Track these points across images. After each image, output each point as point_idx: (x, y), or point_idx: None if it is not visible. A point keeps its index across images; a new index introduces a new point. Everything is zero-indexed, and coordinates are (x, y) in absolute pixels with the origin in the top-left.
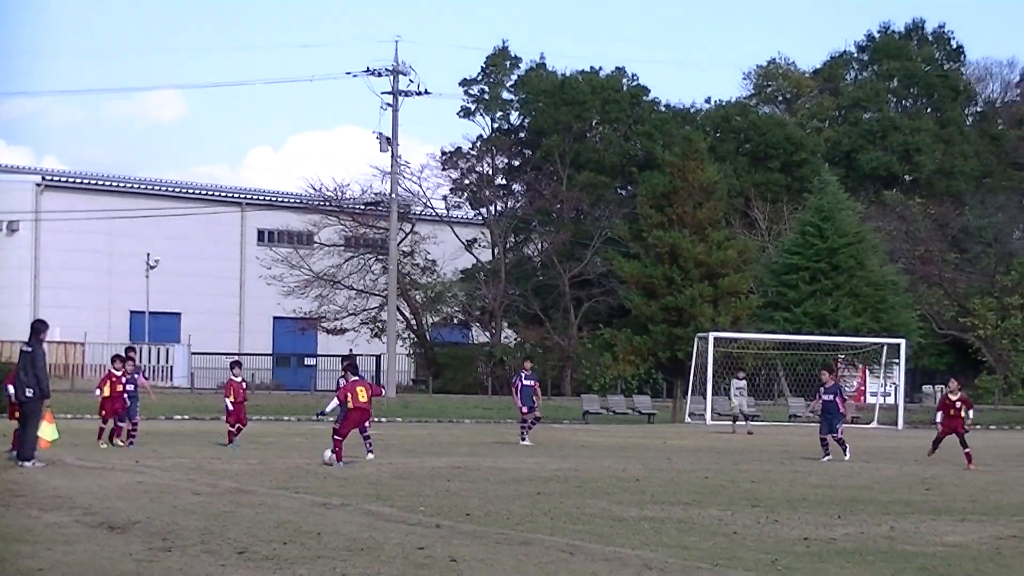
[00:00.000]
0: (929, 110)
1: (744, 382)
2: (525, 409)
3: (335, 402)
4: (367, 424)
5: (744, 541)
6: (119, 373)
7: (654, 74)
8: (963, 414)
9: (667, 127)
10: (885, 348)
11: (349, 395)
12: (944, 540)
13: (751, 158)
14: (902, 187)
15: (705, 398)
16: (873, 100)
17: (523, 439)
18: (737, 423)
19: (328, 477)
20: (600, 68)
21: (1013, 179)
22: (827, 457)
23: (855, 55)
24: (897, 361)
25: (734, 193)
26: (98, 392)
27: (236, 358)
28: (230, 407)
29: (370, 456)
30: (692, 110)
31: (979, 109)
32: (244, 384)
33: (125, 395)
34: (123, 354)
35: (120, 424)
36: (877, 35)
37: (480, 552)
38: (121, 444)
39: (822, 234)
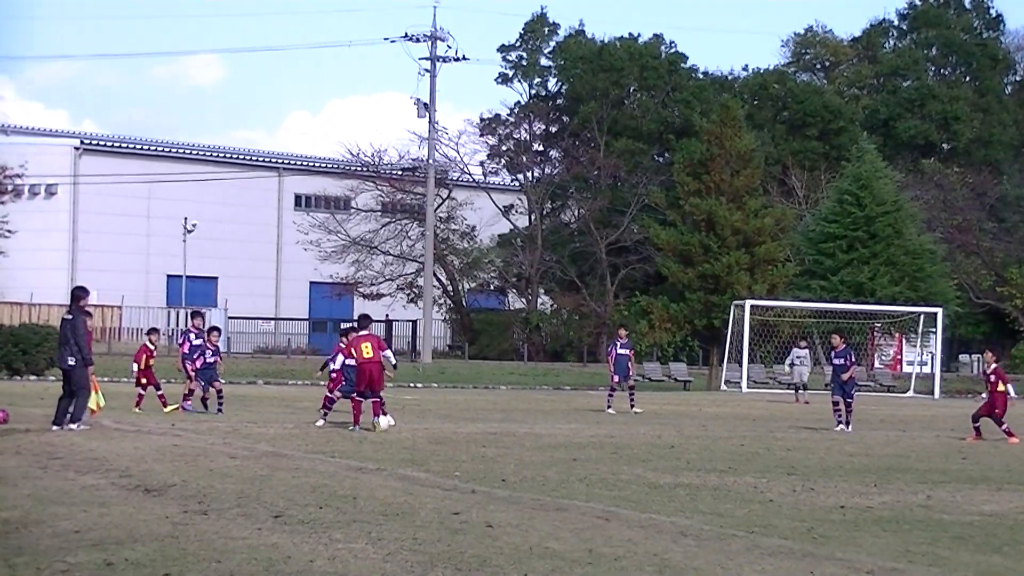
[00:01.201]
0: (968, 79)
1: (806, 351)
2: (617, 378)
3: (340, 358)
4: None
5: (780, 509)
6: (152, 347)
7: (692, 41)
8: (1000, 388)
9: (704, 94)
10: (922, 317)
11: (354, 351)
12: (981, 509)
13: (788, 126)
14: (940, 156)
15: (741, 366)
16: (911, 68)
17: (609, 407)
18: (799, 392)
19: (364, 441)
20: (638, 35)
21: None
22: (839, 427)
23: (894, 23)
24: (934, 330)
25: (771, 161)
26: (135, 366)
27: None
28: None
29: (381, 420)
30: (730, 77)
31: (1018, 78)
32: (153, 349)
33: (205, 360)
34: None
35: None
36: (917, 3)
37: (515, 518)
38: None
39: (859, 202)
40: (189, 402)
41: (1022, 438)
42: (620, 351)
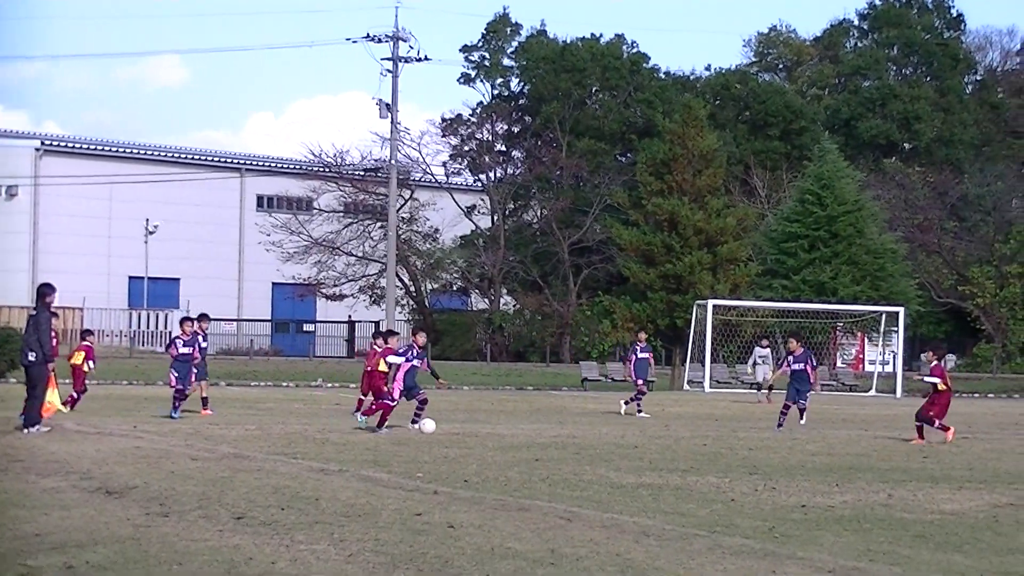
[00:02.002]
0: (929, 78)
1: (768, 350)
2: (640, 382)
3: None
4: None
5: (741, 508)
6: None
7: (654, 41)
8: (940, 387)
9: (667, 94)
10: (884, 316)
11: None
12: (941, 508)
13: (751, 126)
14: (901, 155)
15: (704, 365)
16: (873, 68)
17: (640, 411)
18: (762, 391)
19: (326, 443)
20: (600, 35)
21: (1012, 148)
22: (780, 428)
23: (855, 23)
24: (895, 329)
25: (733, 161)
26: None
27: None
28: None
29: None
30: (692, 77)
31: (979, 78)
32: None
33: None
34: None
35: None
36: (878, 3)
37: (477, 518)
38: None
39: (821, 202)
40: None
41: (979, 434)
42: (641, 355)
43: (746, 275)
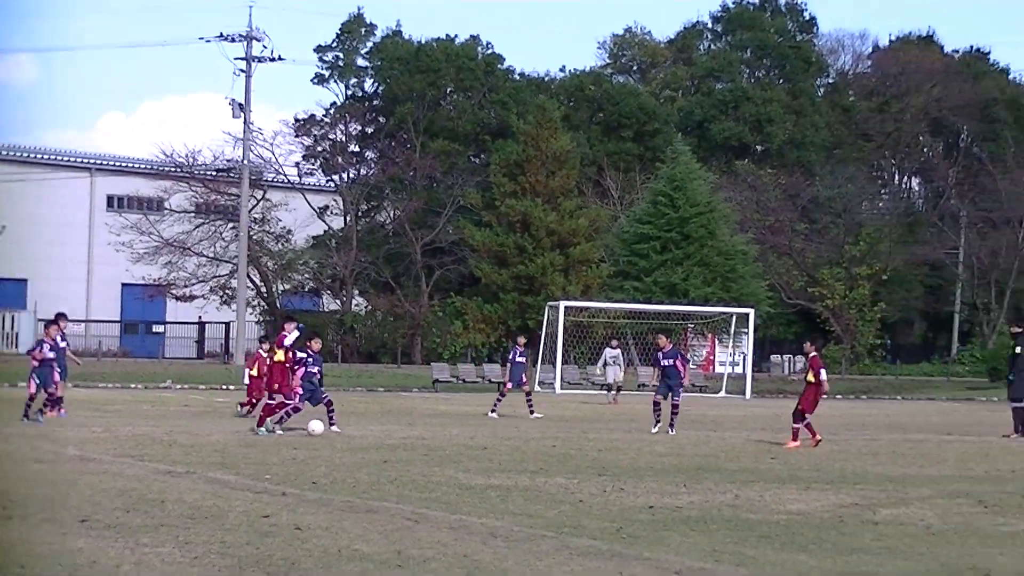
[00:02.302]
0: (781, 81)
1: (618, 351)
2: (510, 386)
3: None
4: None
5: (589, 509)
6: None
7: (509, 42)
8: (810, 378)
9: (521, 96)
10: (734, 318)
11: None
12: (787, 508)
13: (604, 127)
14: (753, 157)
15: (555, 367)
16: (726, 70)
17: (494, 411)
18: (611, 392)
19: (173, 445)
20: (455, 36)
21: (863, 150)
22: (657, 426)
23: (709, 25)
24: (746, 331)
25: (587, 162)
26: None
27: None
28: None
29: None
30: (546, 79)
31: (830, 80)
32: None
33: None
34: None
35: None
36: (731, 6)
37: (325, 520)
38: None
39: (673, 204)
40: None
41: (826, 435)
42: (519, 359)
43: (598, 276)
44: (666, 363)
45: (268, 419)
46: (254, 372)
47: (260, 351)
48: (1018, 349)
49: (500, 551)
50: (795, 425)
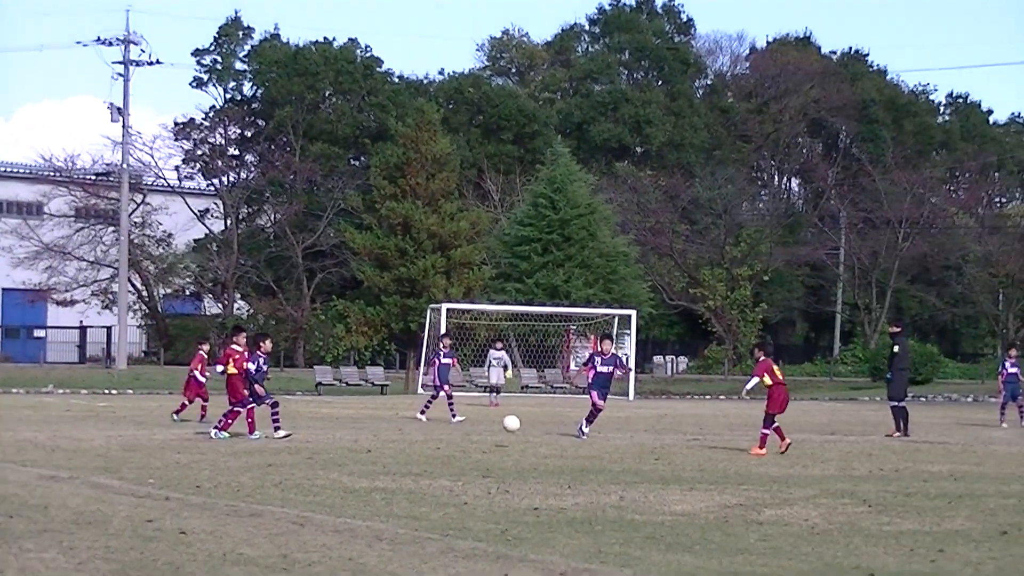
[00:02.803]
0: (660, 82)
1: (503, 353)
2: (447, 386)
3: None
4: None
5: (474, 511)
6: None
7: (388, 45)
8: (767, 381)
9: (400, 98)
10: (616, 319)
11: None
12: (672, 509)
13: (484, 130)
14: (633, 159)
15: None
16: (604, 72)
17: (423, 412)
18: (494, 394)
19: (56, 450)
20: (334, 39)
21: (742, 151)
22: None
23: (587, 28)
24: (628, 332)
25: (467, 165)
26: None
27: None
28: None
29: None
30: (425, 81)
31: (709, 82)
32: None
33: None
34: None
35: None
36: (608, 8)
37: (209, 524)
38: None
39: (554, 205)
40: None
41: (711, 436)
42: (444, 360)
43: (480, 278)
44: (604, 369)
45: (245, 425)
46: (196, 374)
47: (201, 352)
48: (896, 348)
49: (385, 554)
50: (764, 431)
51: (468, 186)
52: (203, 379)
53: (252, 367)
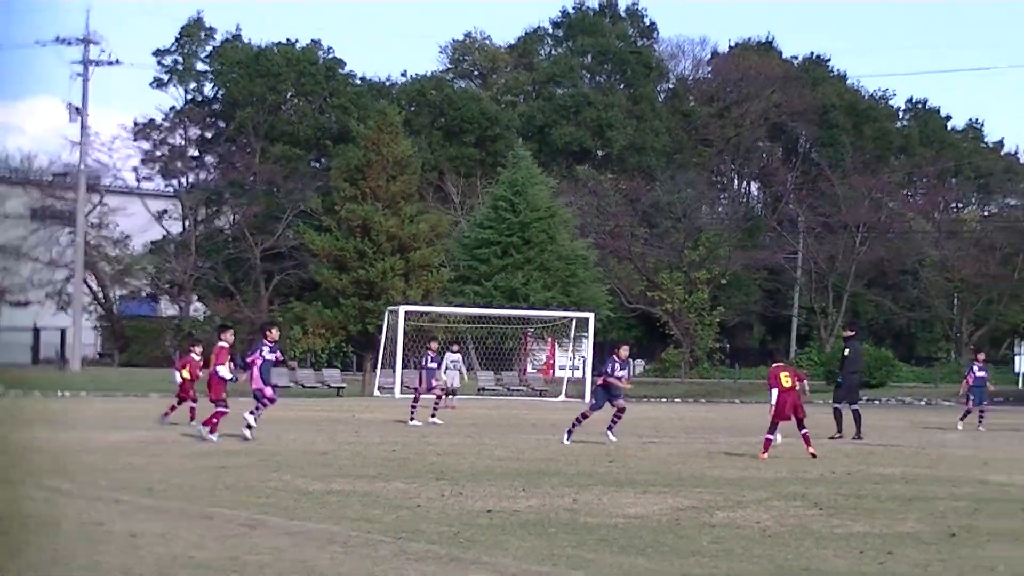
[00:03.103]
0: (622, 86)
1: (459, 355)
2: (439, 390)
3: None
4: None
5: (427, 514)
6: None
7: (350, 47)
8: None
9: (362, 100)
10: (574, 322)
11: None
12: (625, 512)
13: (446, 132)
14: (594, 162)
15: (395, 371)
16: (567, 76)
17: (433, 416)
18: (452, 397)
19: (4, 453)
20: (296, 40)
21: (702, 155)
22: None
23: (550, 31)
24: (586, 335)
25: (428, 167)
26: None
27: None
28: None
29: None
30: (388, 83)
31: (671, 86)
32: None
33: None
34: None
35: None
36: (571, 11)
37: (160, 527)
38: None
39: (514, 208)
40: None
41: (665, 438)
42: (430, 364)
43: (438, 281)
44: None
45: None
46: (185, 375)
47: (192, 355)
48: (847, 352)
49: (337, 556)
50: (767, 436)
51: (429, 189)
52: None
53: (271, 356)
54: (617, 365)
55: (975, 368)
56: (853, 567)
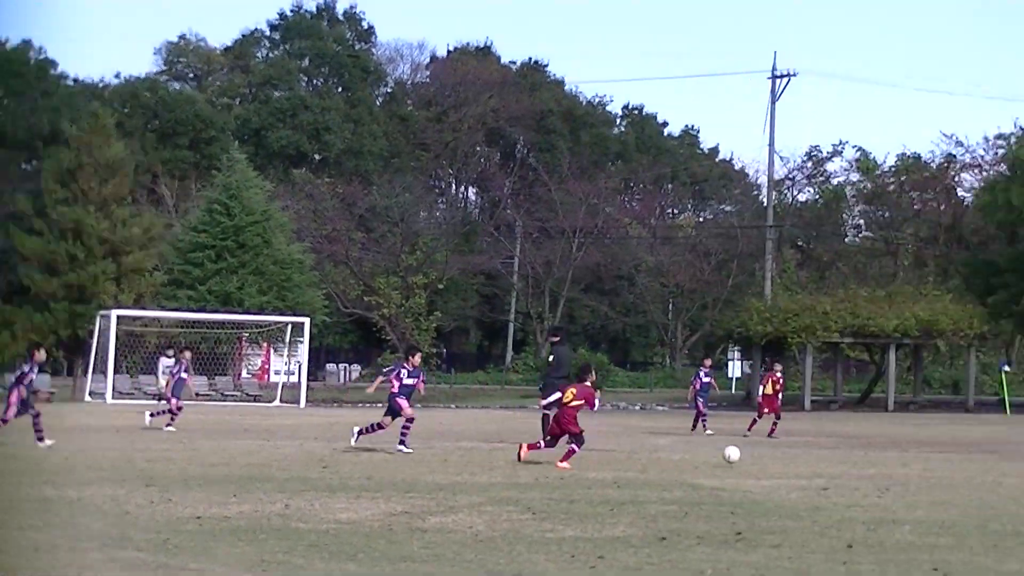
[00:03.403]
0: (340, 89)
1: (173, 360)
2: (175, 401)
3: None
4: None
5: (136, 521)
6: None
7: (63, 47)
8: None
9: (75, 101)
10: (290, 327)
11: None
12: (337, 517)
13: (160, 134)
14: (311, 166)
15: (106, 376)
16: (284, 78)
17: (170, 425)
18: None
19: None
20: (6, 40)
21: (420, 159)
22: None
23: (267, 33)
24: (301, 339)
25: (142, 170)
26: None
27: None
28: None
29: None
30: (101, 85)
31: (389, 90)
32: None
33: None
34: None
35: None
36: (289, 14)
37: None
38: None
39: (229, 212)
40: None
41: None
42: (406, 380)
43: (151, 285)
44: (409, 381)
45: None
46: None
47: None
48: (551, 358)
49: (42, 565)
50: (571, 446)
51: (142, 191)
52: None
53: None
54: (406, 372)
55: (701, 374)
56: (564, 571)
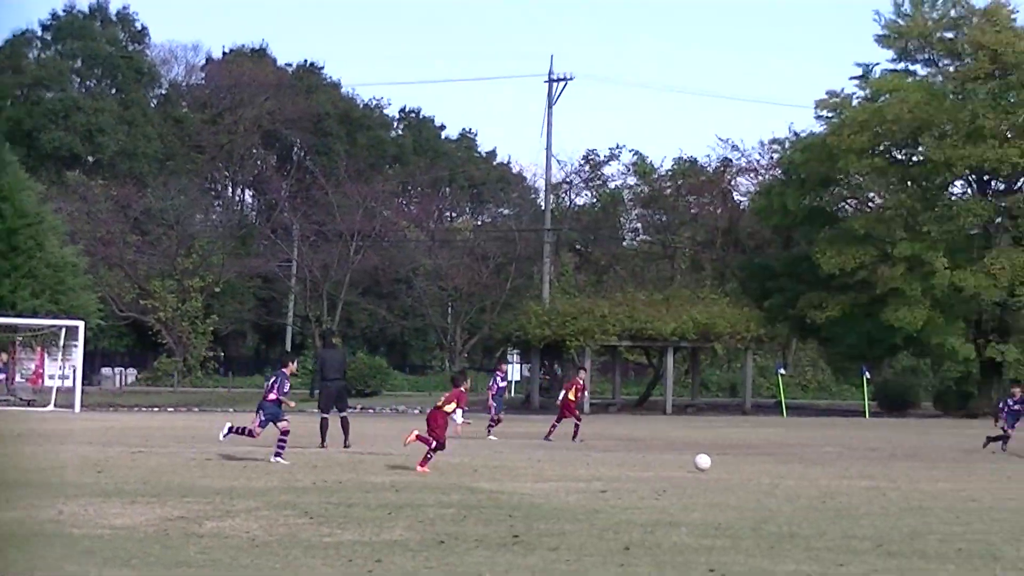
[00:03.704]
0: (113, 91)
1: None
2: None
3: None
4: None
5: None
6: None
7: None
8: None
9: None
10: (64, 330)
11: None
12: (112, 522)
13: None
14: (84, 168)
15: None
16: (56, 80)
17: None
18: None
19: None
20: None
21: (195, 162)
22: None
23: (38, 33)
24: (75, 343)
25: None
26: None
27: None
28: None
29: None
30: None
31: (163, 91)
32: None
33: None
34: None
35: None
36: (61, 14)
37: None
38: None
39: (1, 215)
40: None
41: (156, 448)
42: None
43: None
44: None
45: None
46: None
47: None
48: (318, 363)
49: None
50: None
51: None
52: None
53: None
54: (287, 383)
55: (498, 378)
56: (343, 574)
